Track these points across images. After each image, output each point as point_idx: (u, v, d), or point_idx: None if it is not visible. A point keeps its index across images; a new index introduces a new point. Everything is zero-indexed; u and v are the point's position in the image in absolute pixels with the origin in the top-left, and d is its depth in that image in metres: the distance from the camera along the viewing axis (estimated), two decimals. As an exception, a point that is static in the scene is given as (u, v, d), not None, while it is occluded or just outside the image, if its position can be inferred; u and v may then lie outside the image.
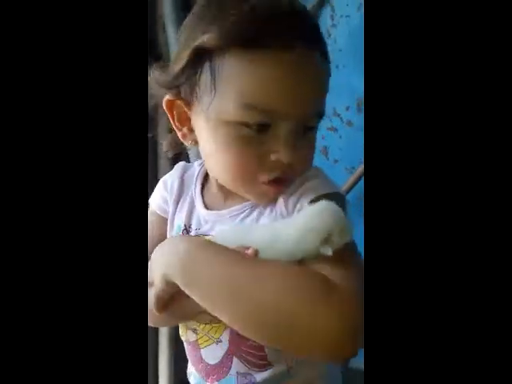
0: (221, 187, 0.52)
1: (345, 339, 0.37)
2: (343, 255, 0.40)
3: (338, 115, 1.30)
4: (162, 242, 0.48)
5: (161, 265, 0.44)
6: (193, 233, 0.53)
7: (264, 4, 0.41)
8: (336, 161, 1.33)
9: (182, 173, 0.59)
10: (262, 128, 0.43)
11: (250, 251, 0.41)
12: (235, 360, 0.48)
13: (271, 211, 0.48)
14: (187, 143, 0.50)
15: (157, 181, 0.61)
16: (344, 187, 1.24)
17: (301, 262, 0.41)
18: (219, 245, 0.44)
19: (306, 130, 0.46)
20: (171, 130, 0.52)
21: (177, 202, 0.57)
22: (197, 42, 0.42)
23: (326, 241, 0.38)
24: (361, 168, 1.23)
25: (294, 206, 0.45)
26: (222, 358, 0.48)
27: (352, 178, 1.25)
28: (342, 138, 1.31)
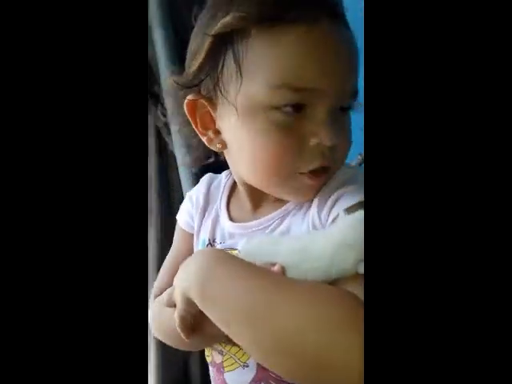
0: (250, 196, 0.48)
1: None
2: None
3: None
4: (188, 258, 0.43)
5: (181, 280, 0.41)
6: (218, 247, 0.49)
7: None
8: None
9: (207, 185, 0.55)
10: (297, 110, 0.39)
11: (276, 268, 0.36)
12: None
13: (303, 219, 0.43)
14: (214, 148, 0.46)
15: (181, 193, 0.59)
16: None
17: (333, 281, 0.35)
18: (243, 260, 0.39)
19: (343, 111, 0.42)
20: (193, 144, 0.49)
21: (202, 216, 0.53)
22: (215, 30, 0.39)
23: (354, 257, 0.33)
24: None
25: (328, 214, 0.40)
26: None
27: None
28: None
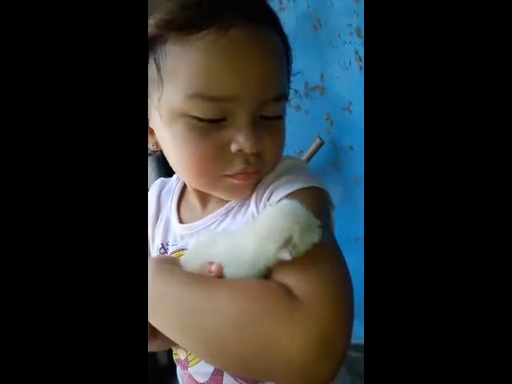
0: (198, 196, 0.49)
1: (315, 359, 0.30)
2: (310, 259, 0.33)
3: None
4: None
5: None
6: (170, 249, 0.50)
7: None
8: (285, 144, 1.35)
9: (158, 190, 0.55)
10: (215, 118, 0.39)
11: (213, 267, 0.36)
12: (226, 377, 0.44)
13: (245, 212, 0.43)
14: (150, 146, 0.46)
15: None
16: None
17: (268, 273, 0.35)
18: (175, 266, 0.39)
19: (270, 120, 0.41)
20: None
21: (155, 222, 0.53)
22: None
23: (286, 246, 0.32)
24: (307, 152, 1.26)
25: (265, 206, 0.41)
26: (212, 375, 0.45)
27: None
28: (290, 123, 1.33)
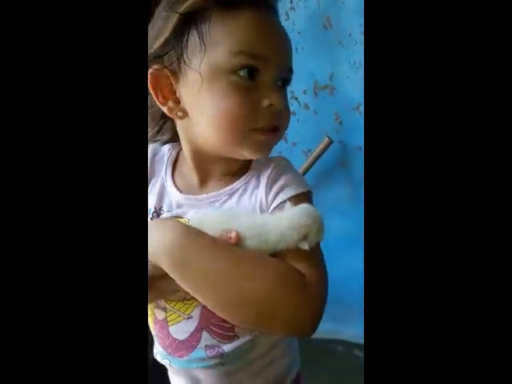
0: (198, 169, 0.54)
1: (313, 322, 0.45)
2: (315, 252, 0.46)
3: (296, 98, 1.31)
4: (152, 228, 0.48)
5: (151, 249, 0.44)
6: (164, 215, 0.53)
7: None
8: (294, 144, 1.35)
9: (151, 156, 0.59)
10: (251, 75, 0.47)
11: (233, 235, 0.45)
12: (204, 334, 0.50)
13: (251, 196, 0.51)
14: (175, 116, 0.51)
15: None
16: (301, 169, 1.27)
17: (278, 253, 0.46)
18: (203, 232, 0.46)
19: (282, 83, 0.50)
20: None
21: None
22: (183, 9, 0.47)
23: (305, 238, 0.45)
24: (316, 151, 1.26)
25: (273, 199, 0.50)
26: (192, 333, 0.51)
27: (309, 161, 1.28)
28: (299, 122, 1.33)
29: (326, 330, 1.45)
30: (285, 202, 0.48)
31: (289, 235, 0.45)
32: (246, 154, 0.51)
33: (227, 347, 0.50)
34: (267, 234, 0.45)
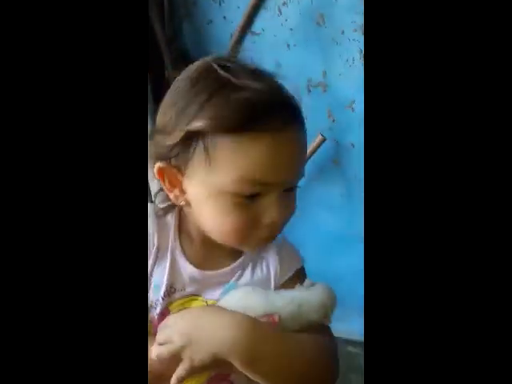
0: (204, 243, 0.54)
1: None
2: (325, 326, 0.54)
3: (289, 95, 1.30)
4: (189, 311, 0.50)
5: (208, 344, 0.45)
6: (177, 295, 0.52)
7: (251, 93, 0.45)
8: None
9: (154, 219, 0.56)
10: (255, 196, 0.48)
11: (276, 317, 0.48)
12: None
13: (261, 267, 0.55)
14: (179, 203, 0.52)
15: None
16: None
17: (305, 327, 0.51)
18: (260, 322, 0.48)
19: (290, 190, 0.51)
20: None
21: (156, 256, 0.53)
22: (189, 127, 0.46)
23: (326, 315, 0.51)
24: (309, 149, 1.25)
25: (287, 271, 0.56)
26: None
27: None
28: (292, 119, 1.32)
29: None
30: (295, 274, 0.55)
31: (321, 313, 0.50)
32: (243, 250, 0.54)
33: None
34: (304, 313, 0.50)
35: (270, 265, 0.56)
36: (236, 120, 0.44)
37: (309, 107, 1.42)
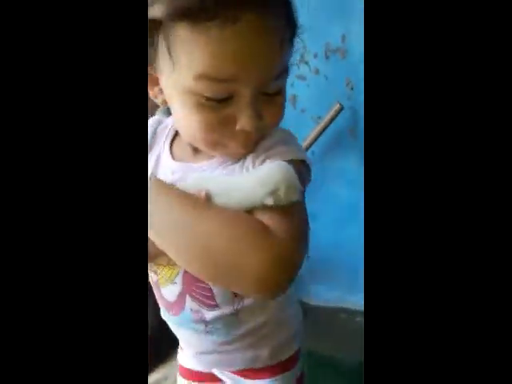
0: (190, 144, 0.53)
1: (276, 280, 0.41)
2: (288, 211, 0.42)
3: (306, 63, 1.27)
4: None
5: None
6: None
7: None
8: (303, 110, 1.32)
9: (155, 125, 0.59)
10: (227, 100, 0.43)
11: (202, 193, 0.44)
12: (188, 298, 0.52)
13: (241, 168, 0.49)
14: (158, 102, 0.50)
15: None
16: (310, 136, 1.24)
17: (249, 212, 0.44)
18: (173, 187, 0.46)
19: (271, 95, 0.46)
20: None
21: (148, 153, 0.57)
22: (149, 14, 0.42)
23: (272, 195, 0.41)
24: (326, 118, 1.22)
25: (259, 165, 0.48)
26: (178, 296, 0.53)
27: (318, 128, 1.25)
28: (309, 87, 1.29)
29: (332, 298, 1.48)
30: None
31: (256, 191, 0.42)
32: (219, 155, 0.50)
33: (209, 315, 0.52)
34: (234, 191, 0.43)
35: (247, 161, 0.48)
36: (187, 3, 0.39)
37: (327, 75, 1.38)
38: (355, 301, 1.40)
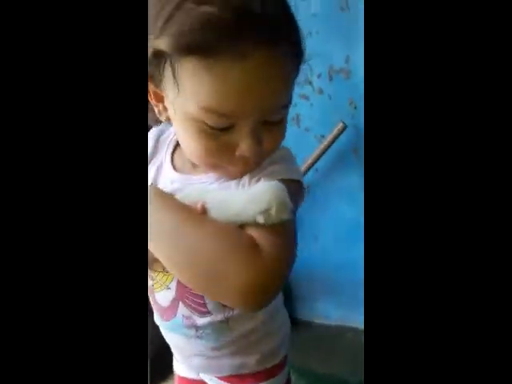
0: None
1: (258, 295, 0.42)
2: (277, 229, 0.43)
3: (310, 83, 1.29)
4: None
5: None
6: None
7: (217, 7, 0.38)
8: (307, 129, 1.34)
9: (158, 135, 0.60)
10: (229, 128, 0.44)
11: (198, 205, 0.45)
12: (181, 304, 0.54)
13: (236, 185, 0.50)
14: (162, 119, 0.51)
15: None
16: (314, 155, 1.26)
17: (241, 227, 0.45)
18: (170, 196, 0.47)
19: (272, 124, 0.46)
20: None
21: (149, 162, 0.59)
22: (154, 44, 0.41)
23: (264, 213, 0.43)
24: (329, 138, 1.24)
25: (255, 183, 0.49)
26: (171, 302, 0.55)
27: (322, 147, 1.26)
28: (313, 106, 1.31)
29: (337, 317, 1.47)
30: None
31: (248, 209, 0.43)
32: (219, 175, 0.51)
33: (200, 321, 0.53)
34: (228, 206, 0.45)
35: (244, 179, 0.49)
36: (195, 40, 0.38)
37: (330, 94, 1.40)
38: (361, 320, 1.38)
